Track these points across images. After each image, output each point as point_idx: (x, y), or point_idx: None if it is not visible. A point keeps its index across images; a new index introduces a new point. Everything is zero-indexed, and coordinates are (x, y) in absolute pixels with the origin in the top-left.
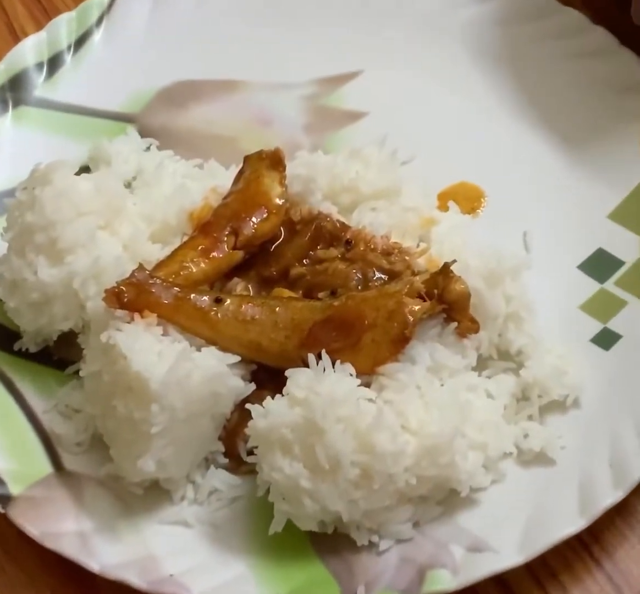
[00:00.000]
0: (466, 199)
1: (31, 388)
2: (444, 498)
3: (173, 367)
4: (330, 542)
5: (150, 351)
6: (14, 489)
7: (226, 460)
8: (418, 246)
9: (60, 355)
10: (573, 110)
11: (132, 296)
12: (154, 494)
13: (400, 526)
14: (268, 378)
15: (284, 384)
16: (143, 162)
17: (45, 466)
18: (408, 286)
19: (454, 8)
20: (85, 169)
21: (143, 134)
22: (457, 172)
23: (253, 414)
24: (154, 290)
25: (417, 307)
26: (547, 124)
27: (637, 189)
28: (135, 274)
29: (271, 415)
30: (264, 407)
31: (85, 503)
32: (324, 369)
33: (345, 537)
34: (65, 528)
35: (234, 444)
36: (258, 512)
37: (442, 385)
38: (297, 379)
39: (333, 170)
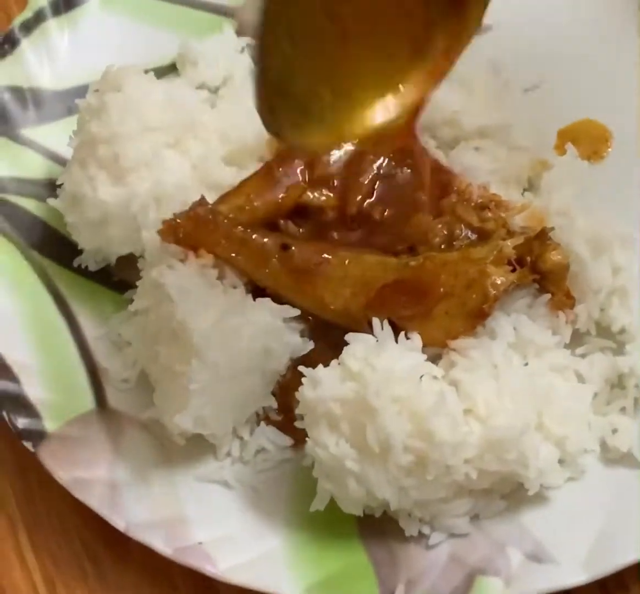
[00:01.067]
0: (589, 140)
1: (85, 311)
2: (510, 492)
3: (220, 321)
4: (378, 526)
5: (199, 298)
6: (50, 425)
7: (279, 417)
8: (523, 193)
9: (121, 276)
10: None
11: (189, 231)
12: (197, 446)
13: (455, 520)
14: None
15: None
16: (233, 68)
17: (87, 401)
18: (496, 252)
19: None
20: (171, 67)
21: (241, 32)
22: (584, 108)
23: (303, 381)
24: (213, 227)
25: (501, 280)
26: None
27: None
28: (197, 207)
29: (321, 386)
30: (316, 374)
31: (122, 447)
32: (386, 340)
33: (394, 523)
34: (96, 475)
35: (287, 402)
36: (304, 480)
37: (525, 365)
38: (355, 348)
39: (433, 98)
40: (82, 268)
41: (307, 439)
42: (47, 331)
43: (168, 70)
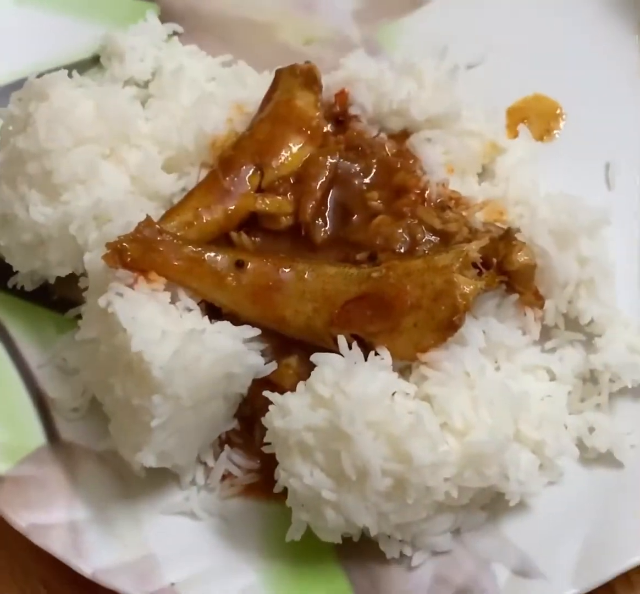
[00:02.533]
0: (540, 116)
1: (26, 335)
2: (490, 502)
3: (179, 351)
4: (357, 550)
5: (154, 326)
6: (1, 467)
7: (242, 440)
8: (480, 183)
9: (61, 294)
10: None
11: (137, 255)
12: (159, 476)
13: (437, 537)
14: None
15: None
16: (162, 60)
17: (38, 435)
18: (461, 259)
19: None
20: (95, 60)
21: (165, 18)
22: (532, 83)
23: (271, 408)
24: (162, 248)
25: (469, 289)
26: None
27: None
28: (142, 228)
29: (291, 415)
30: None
31: (80, 484)
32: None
33: (374, 545)
34: (56, 518)
35: (251, 423)
36: (276, 508)
37: (496, 369)
38: (323, 373)
39: (380, 88)
40: (17, 289)
41: (279, 469)
42: None
43: (91, 63)
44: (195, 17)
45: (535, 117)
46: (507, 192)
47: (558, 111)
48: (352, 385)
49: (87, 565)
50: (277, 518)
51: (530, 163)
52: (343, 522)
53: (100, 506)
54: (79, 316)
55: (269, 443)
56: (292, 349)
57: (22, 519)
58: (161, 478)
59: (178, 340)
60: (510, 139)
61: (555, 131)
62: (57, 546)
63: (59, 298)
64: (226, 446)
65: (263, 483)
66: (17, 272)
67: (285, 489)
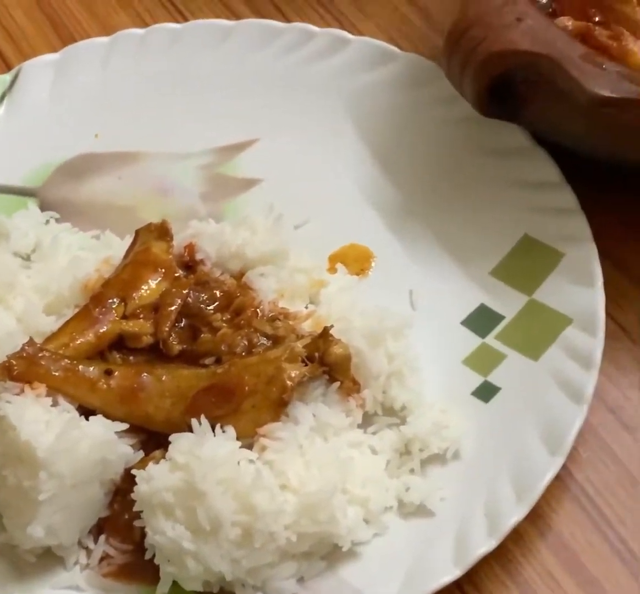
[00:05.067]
0: (356, 260)
1: None
2: (328, 553)
3: (60, 436)
4: None
5: (39, 421)
6: None
7: (117, 524)
8: (307, 307)
9: None
10: (457, 170)
11: (22, 369)
12: (47, 561)
13: (283, 583)
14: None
15: None
16: (41, 236)
17: None
18: (288, 352)
19: (347, 77)
20: None
21: (44, 207)
22: (348, 235)
23: (137, 479)
24: (43, 362)
25: (295, 373)
26: (431, 184)
27: (517, 245)
28: (26, 347)
29: (153, 480)
30: (148, 471)
31: None
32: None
33: None
34: None
35: (122, 509)
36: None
37: (326, 441)
38: (179, 444)
39: (221, 238)
40: None
41: (146, 529)
42: None
43: None
44: (69, 205)
45: (352, 261)
46: (329, 311)
47: (370, 255)
48: (203, 450)
49: None
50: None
51: (348, 292)
52: (202, 570)
53: None
54: None
55: (139, 517)
56: (159, 442)
57: None
58: (50, 562)
59: (59, 427)
60: (332, 274)
61: (368, 270)
62: None
63: None
64: (105, 531)
65: (137, 564)
66: None
67: (154, 554)
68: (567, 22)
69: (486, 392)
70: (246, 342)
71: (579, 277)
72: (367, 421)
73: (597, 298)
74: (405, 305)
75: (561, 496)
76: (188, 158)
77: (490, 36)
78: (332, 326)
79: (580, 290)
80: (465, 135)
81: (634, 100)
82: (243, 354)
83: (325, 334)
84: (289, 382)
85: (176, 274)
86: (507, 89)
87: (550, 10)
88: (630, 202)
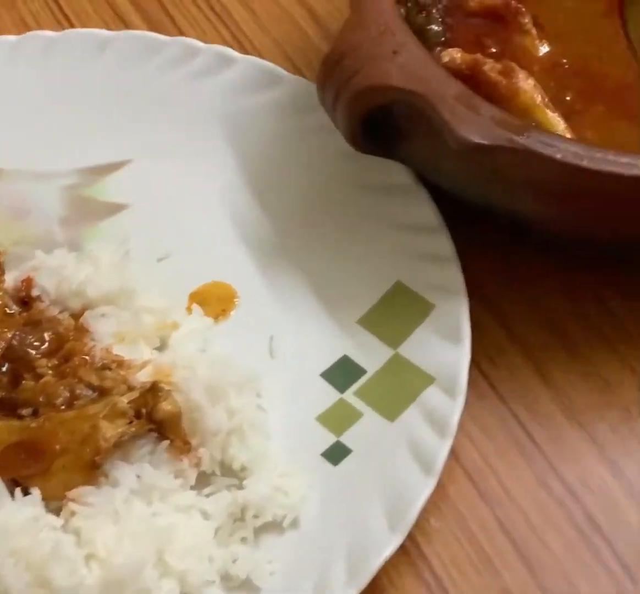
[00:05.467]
0: (218, 299)
1: None
2: None
3: None
4: None
5: None
6: None
7: None
8: (152, 352)
9: None
10: (336, 206)
11: None
12: None
13: None
14: None
15: None
16: None
17: None
18: (108, 407)
19: (230, 99)
20: None
21: None
22: (213, 272)
23: None
24: None
25: (111, 433)
26: (308, 220)
27: (389, 293)
28: None
29: None
30: None
31: None
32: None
33: None
34: None
35: None
36: None
37: (148, 506)
38: None
39: (62, 272)
40: None
41: None
42: None
43: None
44: None
45: (215, 300)
46: (175, 358)
47: (233, 294)
48: None
49: None
50: None
51: (199, 336)
52: None
53: None
54: None
55: None
56: None
57: None
58: None
59: None
60: (187, 315)
61: (230, 312)
62: None
63: None
64: None
65: None
66: None
67: None
68: (456, 54)
69: (337, 454)
70: (68, 394)
71: (446, 332)
72: (203, 481)
73: (461, 357)
74: (265, 351)
75: (404, 570)
76: (52, 178)
77: (365, 68)
78: (159, 382)
79: (446, 346)
80: (348, 169)
81: (504, 147)
82: (63, 407)
83: (154, 389)
84: (103, 443)
85: (9, 311)
86: (385, 122)
87: (443, 39)
88: (513, 250)
